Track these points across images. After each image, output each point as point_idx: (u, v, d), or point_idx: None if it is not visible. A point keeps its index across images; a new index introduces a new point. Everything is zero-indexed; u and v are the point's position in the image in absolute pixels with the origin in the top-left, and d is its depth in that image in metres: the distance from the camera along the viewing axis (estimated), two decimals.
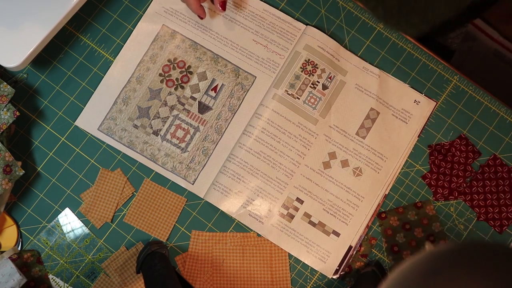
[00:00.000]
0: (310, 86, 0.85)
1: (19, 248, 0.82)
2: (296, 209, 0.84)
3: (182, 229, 0.84)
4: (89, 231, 0.83)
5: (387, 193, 0.85)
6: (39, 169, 0.84)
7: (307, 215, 0.84)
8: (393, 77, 0.87)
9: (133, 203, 0.84)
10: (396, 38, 0.87)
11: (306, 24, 0.87)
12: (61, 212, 0.83)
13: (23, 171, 0.79)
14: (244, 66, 0.86)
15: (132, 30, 0.86)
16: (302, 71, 0.85)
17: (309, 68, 0.85)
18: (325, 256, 0.83)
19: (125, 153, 0.84)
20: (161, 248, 0.80)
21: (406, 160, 0.85)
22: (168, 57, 0.86)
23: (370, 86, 0.86)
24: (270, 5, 0.87)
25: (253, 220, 0.83)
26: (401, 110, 0.86)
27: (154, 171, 0.84)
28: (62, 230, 0.83)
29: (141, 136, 0.84)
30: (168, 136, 0.85)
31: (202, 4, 0.81)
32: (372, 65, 0.87)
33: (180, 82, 0.86)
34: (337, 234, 0.83)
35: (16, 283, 0.76)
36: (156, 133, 0.85)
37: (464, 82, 0.87)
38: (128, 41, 0.86)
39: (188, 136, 0.85)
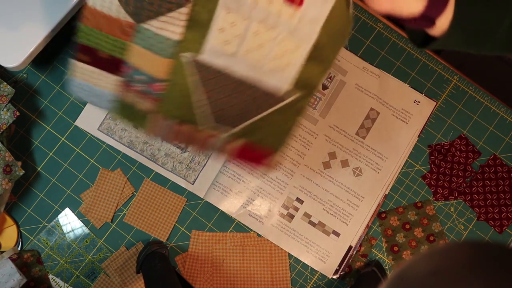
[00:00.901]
0: None
1: (19, 248, 0.82)
2: (296, 209, 0.84)
3: (182, 229, 0.84)
4: (89, 231, 0.83)
5: (387, 193, 0.85)
6: (39, 169, 0.84)
7: (307, 215, 0.83)
8: (393, 77, 0.86)
9: (133, 203, 0.84)
10: (396, 38, 0.87)
11: None
12: (61, 212, 0.83)
13: (23, 171, 0.79)
14: None
15: None
16: None
17: None
18: (325, 256, 0.83)
19: (125, 153, 0.84)
20: (161, 248, 0.80)
21: (406, 160, 0.85)
22: None
23: (370, 86, 0.86)
24: None
25: (253, 220, 0.83)
26: (401, 110, 0.86)
27: (154, 171, 0.84)
28: (62, 230, 0.83)
29: (141, 136, 0.84)
30: None
31: None
32: (372, 65, 0.87)
33: None
34: (337, 234, 0.83)
35: (16, 283, 0.76)
36: None
37: (464, 82, 0.87)
38: None
39: None
